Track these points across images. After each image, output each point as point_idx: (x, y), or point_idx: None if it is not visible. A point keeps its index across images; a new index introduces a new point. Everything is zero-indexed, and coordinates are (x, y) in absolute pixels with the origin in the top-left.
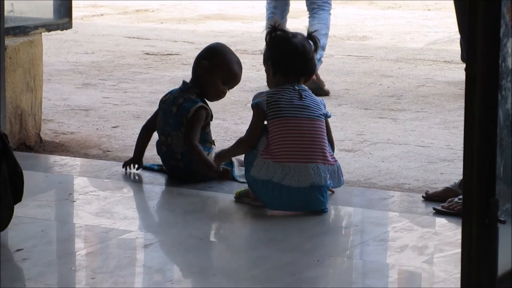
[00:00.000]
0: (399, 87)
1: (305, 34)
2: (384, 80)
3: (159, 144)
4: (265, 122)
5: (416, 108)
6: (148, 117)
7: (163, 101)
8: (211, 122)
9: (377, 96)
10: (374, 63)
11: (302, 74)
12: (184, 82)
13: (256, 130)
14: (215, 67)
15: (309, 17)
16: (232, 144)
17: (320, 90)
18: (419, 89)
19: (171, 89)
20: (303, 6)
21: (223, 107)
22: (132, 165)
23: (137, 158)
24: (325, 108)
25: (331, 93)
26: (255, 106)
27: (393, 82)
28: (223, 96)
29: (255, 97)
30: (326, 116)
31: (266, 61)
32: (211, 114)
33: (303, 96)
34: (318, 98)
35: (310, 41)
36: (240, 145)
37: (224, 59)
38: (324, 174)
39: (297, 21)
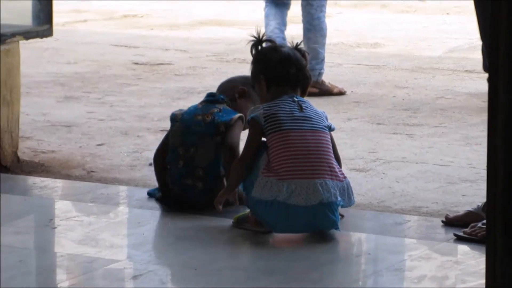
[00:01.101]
0: (415, 99)
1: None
2: (398, 91)
3: (173, 160)
4: (264, 139)
5: (434, 122)
6: (139, 133)
7: (176, 115)
8: None
9: (391, 110)
10: (387, 72)
11: (298, 82)
12: (211, 93)
13: (251, 148)
14: (250, 99)
15: (304, 27)
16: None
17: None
18: (437, 102)
19: (163, 102)
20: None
21: None
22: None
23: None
24: (327, 120)
25: (340, 107)
26: (251, 120)
27: (408, 94)
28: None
29: (251, 111)
30: (330, 128)
31: (257, 77)
32: None
33: (303, 107)
34: (320, 110)
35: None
36: (236, 169)
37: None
38: (333, 190)
39: (302, 27)
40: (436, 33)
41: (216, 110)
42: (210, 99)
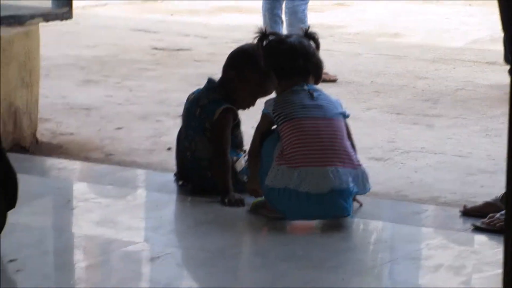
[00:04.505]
0: (435, 90)
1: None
2: (419, 82)
3: (183, 150)
4: (278, 128)
5: (454, 113)
6: (158, 118)
7: (188, 100)
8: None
9: (411, 100)
10: (408, 63)
11: (308, 71)
12: (210, 80)
13: (256, 138)
14: (244, 80)
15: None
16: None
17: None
18: (458, 93)
19: (181, 87)
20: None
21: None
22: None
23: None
24: (341, 107)
25: (359, 96)
26: (262, 115)
27: (429, 85)
28: (253, 105)
29: (265, 105)
30: (344, 115)
31: (268, 71)
32: (239, 117)
33: (315, 96)
34: (334, 98)
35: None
36: (250, 164)
37: (254, 71)
38: (345, 177)
39: (321, 15)
40: (458, 24)
41: (206, 102)
42: (207, 86)
